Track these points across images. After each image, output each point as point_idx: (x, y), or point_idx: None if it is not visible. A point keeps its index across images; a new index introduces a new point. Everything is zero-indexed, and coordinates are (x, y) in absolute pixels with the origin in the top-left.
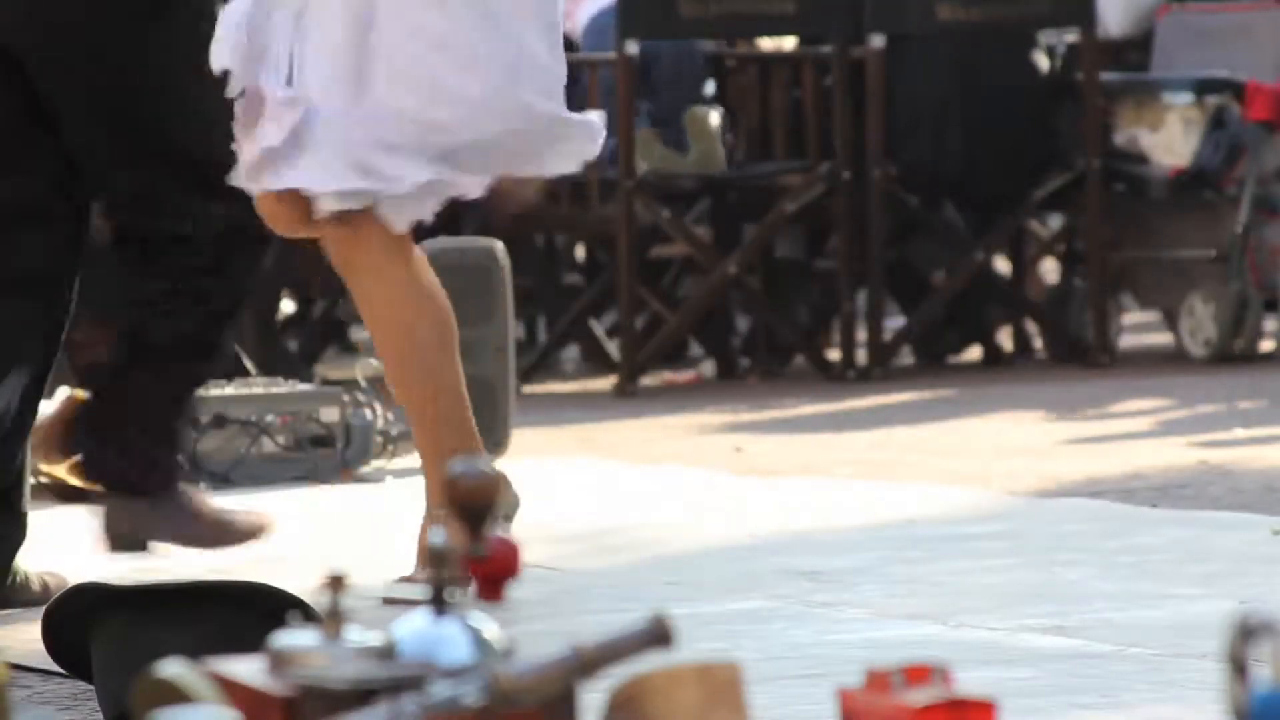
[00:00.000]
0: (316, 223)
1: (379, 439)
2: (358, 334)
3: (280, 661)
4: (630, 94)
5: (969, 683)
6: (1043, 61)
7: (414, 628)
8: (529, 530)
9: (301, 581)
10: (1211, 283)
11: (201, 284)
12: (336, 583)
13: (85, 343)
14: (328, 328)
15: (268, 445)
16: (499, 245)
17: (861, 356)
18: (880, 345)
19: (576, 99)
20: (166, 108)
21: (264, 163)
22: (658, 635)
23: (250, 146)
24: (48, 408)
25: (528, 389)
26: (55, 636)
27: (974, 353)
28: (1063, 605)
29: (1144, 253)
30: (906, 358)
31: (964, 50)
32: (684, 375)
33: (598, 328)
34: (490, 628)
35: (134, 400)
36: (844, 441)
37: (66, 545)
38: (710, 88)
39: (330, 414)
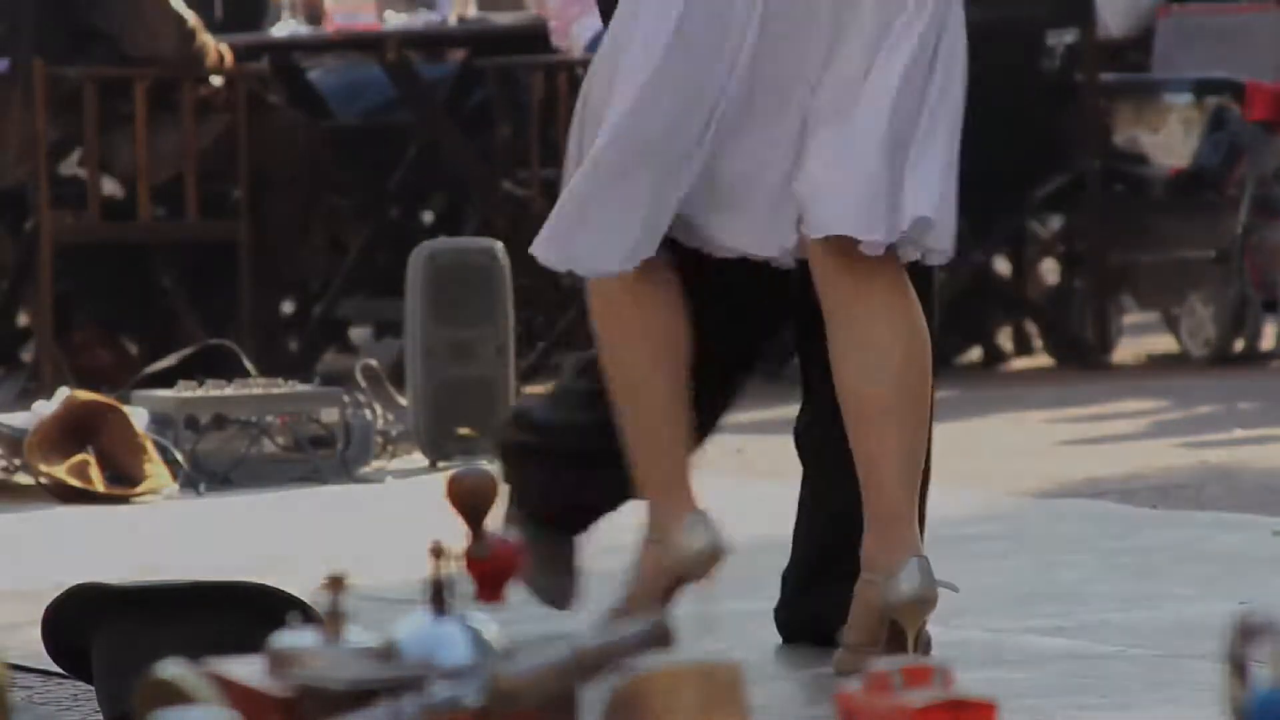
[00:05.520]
0: None
1: (379, 439)
2: (358, 334)
3: (280, 662)
4: None
5: (969, 683)
6: (1043, 62)
7: (414, 628)
8: None
9: (301, 581)
10: (1211, 283)
11: None
12: (336, 583)
13: (85, 344)
14: (328, 328)
15: (268, 445)
16: (499, 245)
17: None
18: None
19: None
20: None
21: None
22: (658, 635)
23: None
24: (48, 408)
25: (528, 389)
26: (55, 637)
27: (974, 353)
28: (1063, 606)
29: (1144, 253)
30: None
31: None
32: None
33: None
34: (490, 628)
35: None
36: None
37: (67, 545)
38: None
39: (330, 414)
